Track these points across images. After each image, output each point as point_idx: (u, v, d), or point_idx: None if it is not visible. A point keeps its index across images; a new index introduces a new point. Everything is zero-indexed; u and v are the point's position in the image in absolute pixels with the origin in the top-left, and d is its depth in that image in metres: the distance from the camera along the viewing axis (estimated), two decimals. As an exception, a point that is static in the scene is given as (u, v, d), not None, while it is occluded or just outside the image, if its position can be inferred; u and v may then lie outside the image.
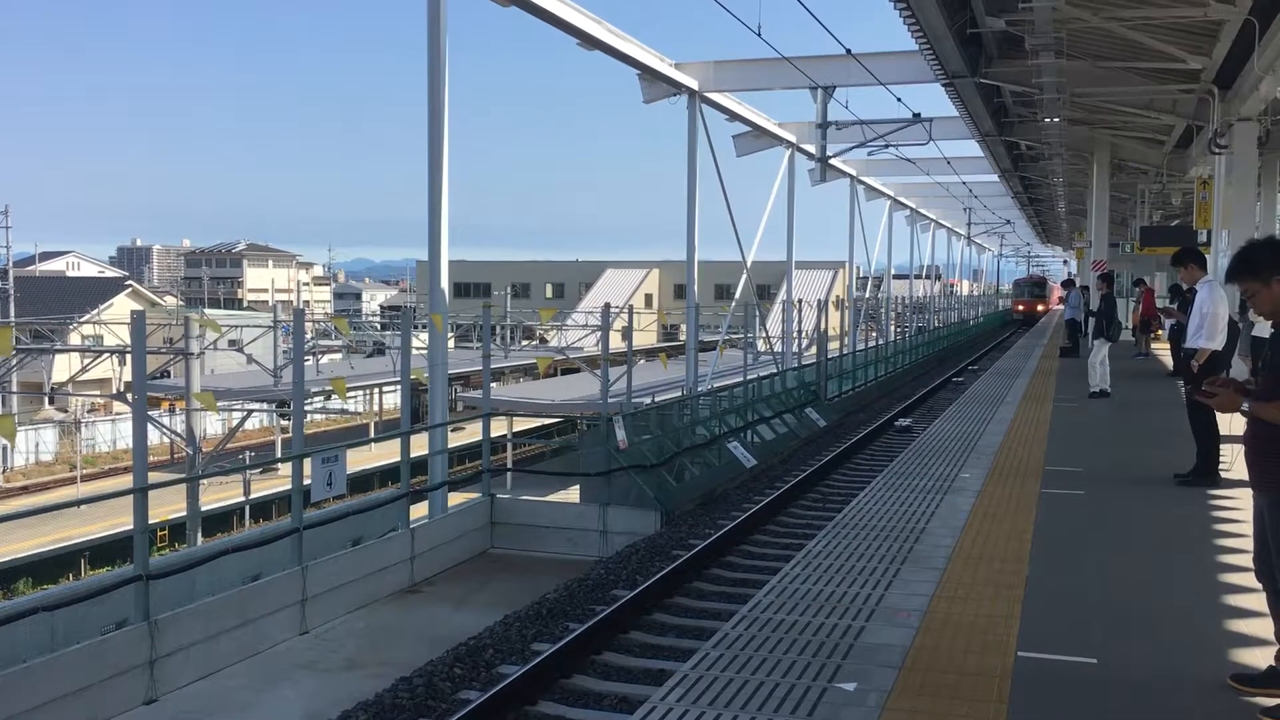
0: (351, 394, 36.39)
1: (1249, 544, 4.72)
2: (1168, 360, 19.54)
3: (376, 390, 38.36)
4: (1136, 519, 7.94)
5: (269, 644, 9.57)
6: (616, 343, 23.51)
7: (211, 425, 34.72)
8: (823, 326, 27.04)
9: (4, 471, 32.15)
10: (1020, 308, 72.37)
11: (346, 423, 39.78)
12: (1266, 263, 4.44)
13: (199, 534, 16.37)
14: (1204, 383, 4.76)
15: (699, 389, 22.01)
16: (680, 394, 22.65)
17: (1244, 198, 16.84)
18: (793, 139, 29.00)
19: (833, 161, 26.29)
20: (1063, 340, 26.02)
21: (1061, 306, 36.87)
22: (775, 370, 24.38)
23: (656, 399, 21.97)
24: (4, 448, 32.11)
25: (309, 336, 33.55)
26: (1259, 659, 4.79)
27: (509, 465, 20.80)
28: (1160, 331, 23.19)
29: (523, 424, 32.11)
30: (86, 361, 30.42)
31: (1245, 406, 4.44)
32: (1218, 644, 5.14)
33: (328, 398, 31.73)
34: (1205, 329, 9.32)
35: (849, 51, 17.99)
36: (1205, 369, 9.17)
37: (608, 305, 20.45)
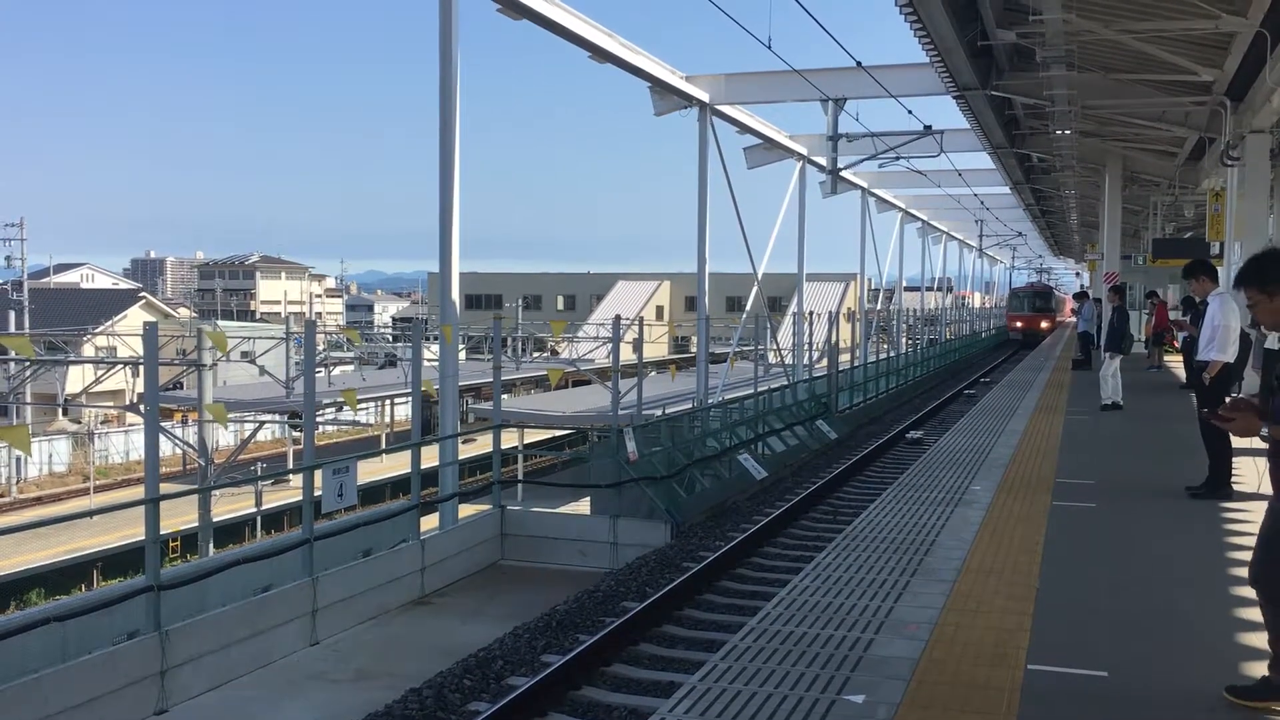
0: (363, 405, 36.47)
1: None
2: (1180, 373, 19.46)
3: (388, 402, 38.43)
4: (1148, 532, 7.91)
5: (280, 655, 9.59)
6: (627, 355, 23.52)
7: (224, 437, 34.83)
8: (834, 339, 27.01)
9: (18, 482, 32.29)
10: (1018, 324, 57.93)
11: (358, 434, 39.87)
12: (1273, 276, 4.43)
13: (210, 545, 16.43)
14: (1220, 408, 4.72)
15: (709, 401, 21.99)
16: (691, 406, 22.64)
17: (1257, 210, 16.77)
18: (804, 151, 29.04)
19: (844, 174, 26.33)
20: (1075, 353, 25.95)
21: (1074, 319, 36.58)
22: (786, 382, 24.37)
23: (667, 411, 21.96)
24: (18, 459, 32.25)
25: (320, 348, 33.67)
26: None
27: (520, 477, 20.83)
28: (1175, 343, 23.08)
29: (533, 436, 32.13)
30: (100, 373, 30.57)
31: (1264, 431, 4.40)
32: (1229, 657, 5.11)
33: (339, 409, 31.79)
34: (1217, 342, 9.28)
35: (859, 64, 18.01)
36: (1217, 382, 9.14)
37: (618, 317, 20.48)
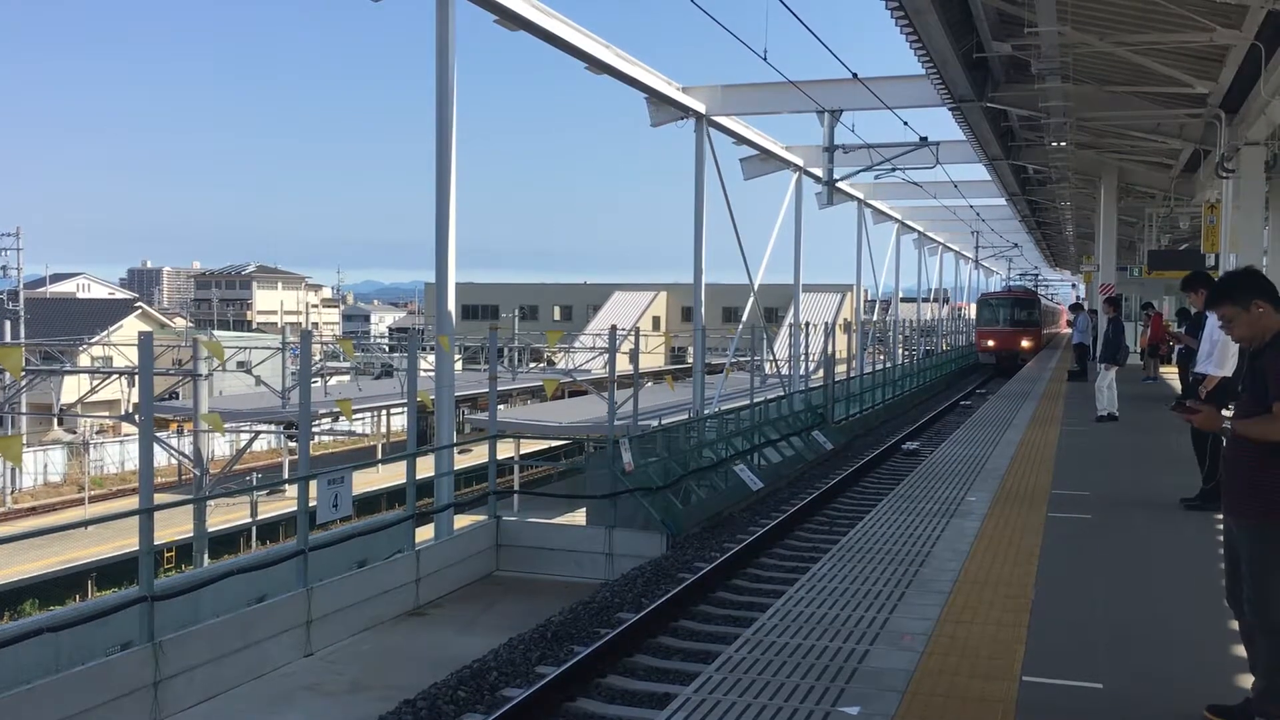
0: (359, 416, 36.45)
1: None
2: (1176, 384, 19.48)
3: (384, 412, 38.40)
4: (1143, 543, 7.91)
5: (273, 666, 9.56)
6: (623, 365, 23.51)
7: (219, 447, 34.77)
8: (830, 349, 27.02)
9: (12, 493, 32.20)
10: (989, 343, 43.77)
11: (354, 444, 39.82)
12: (1244, 288, 4.49)
13: (205, 555, 16.37)
14: (1187, 401, 4.80)
15: (706, 411, 21.98)
16: (687, 416, 22.62)
17: (1252, 222, 16.82)
18: (800, 162, 29.08)
19: (840, 185, 26.42)
20: (1071, 364, 25.98)
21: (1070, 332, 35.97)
22: (782, 393, 24.37)
23: (663, 421, 21.94)
24: (13, 469, 32.15)
25: (317, 358, 33.65)
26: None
27: (515, 488, 20.79)
28: (1169, 345, 22.93)
29: (529, 446, 32.13)
30: (95, 383, 30.52)
31: (1226, 425, 4.48)
32: (1224, 669, 5.10)
33: (335, 419, 31.78)
34: (1216, 356, 9.23)
35: (855, 76, 18.07)
36: (1214, 396, 9.12)
37: (614, 328, 20.46)
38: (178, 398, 31.68)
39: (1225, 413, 4.92)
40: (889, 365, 36.01)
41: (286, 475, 29.54)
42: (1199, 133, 19.27)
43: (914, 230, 49.24)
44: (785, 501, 16.21)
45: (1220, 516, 8.48)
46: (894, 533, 8.18)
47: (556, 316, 76.50)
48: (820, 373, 28.01)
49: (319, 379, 34.49)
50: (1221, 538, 7.86)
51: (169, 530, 19.98)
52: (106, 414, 37.05)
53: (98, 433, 40.53)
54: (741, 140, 25.70)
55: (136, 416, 17.76)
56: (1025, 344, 42.03)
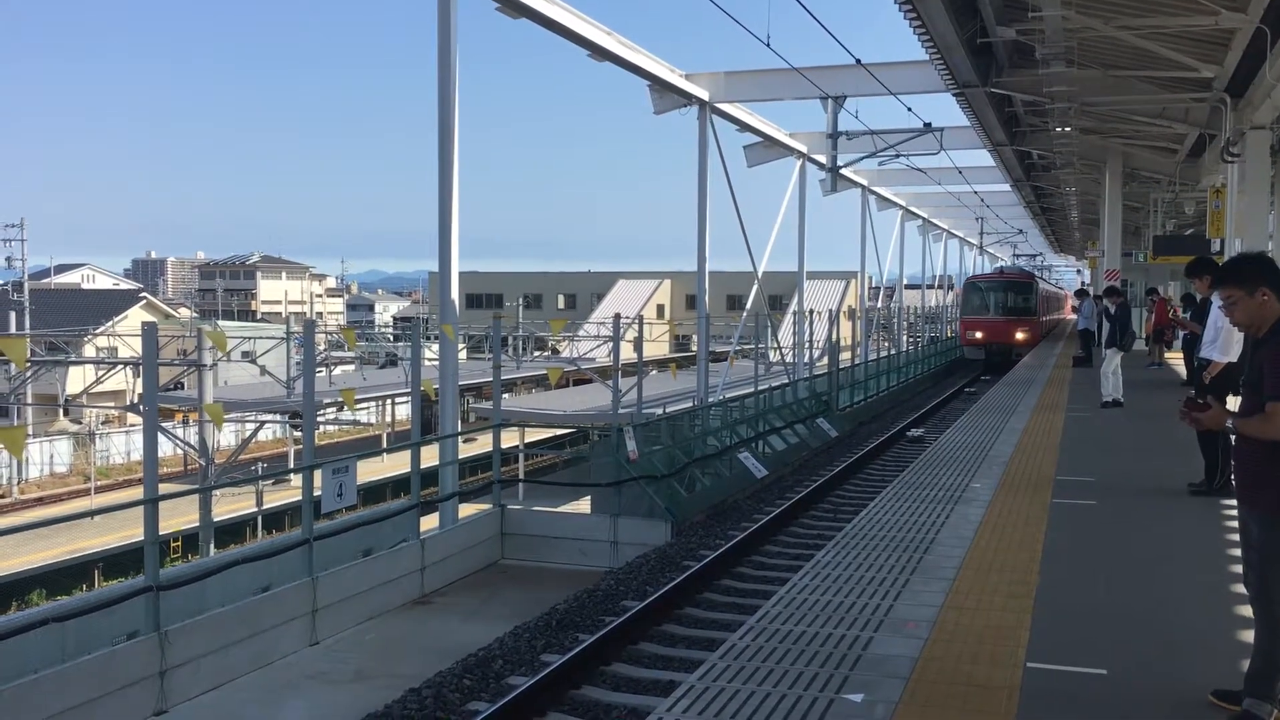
0: (363, 405, 36.48)
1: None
2: (1181, 370, 19.44)
3: (388, 401, 38.43)
4: (1148, 529, 7.89)
5: (279, 655, 9.58)
6: (628, 353, 23.54)
7: (224, 437, 34.82)
8: (834, 337, 27.00)
9: (19, 483, 32.28)
10: (978, 335, 36.35)
11: (359, 434, 39.87)
12: (1253, 273, 4.47)
13: (211, 545, 16.43)
14: (1189, 401, 4.77)
15: (710, 399, 21.97)
16: (691, 404, 22.61)
17: (1257, 206, 16.77)
18: (803, 149, 29.02)
19: (844, 171, 26.34)
20: (1076, 350, 25.94)
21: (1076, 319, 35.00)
22: (787, 380, 24.35)
23: (667, 409, 21.94)
24: (17, 460, 32.20)
25: (321, 348, 33.67)
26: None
27: (520, 476, 20.79)
28: (1176, 329, 22.74)
29: (534, 435, 32.14)
30: (100, 373, 30.56)
31: (1230, 424, 4.46)
32: (1229, 655, 5.09)
33: (339, 409, 31.81)
34: (1221, 342, 9.20)
35: (859, 61, 18.01)
36: (1217, 382, 9.08)
37: (618, 316, 20.45)
38: (183, 388, 31.74)
39: (1234, 399, 4.91)
40: (893, 352, 35.95)
41: (291, 465, 29.59)
42: (1204, 117, 19.19)
43: (918, 216, 49.14)
44: (789, 489, 16.22)
45: (1226, 501, 8.50)
46: (898, 520, 8.17)
47: (560, 305, 76.42)
48: (824, 360, 27.97)
49: (323, 369, 34.49)
50: (1227, 523, 7.88)
51: (175, 520, 20.04)
52: (112, 404, 37.12)
53: (103, 423, 40.62)
54: (745, 127, 25.65)
55: (141, 407, 17.80)
56: (1020, 336, 35.36)
